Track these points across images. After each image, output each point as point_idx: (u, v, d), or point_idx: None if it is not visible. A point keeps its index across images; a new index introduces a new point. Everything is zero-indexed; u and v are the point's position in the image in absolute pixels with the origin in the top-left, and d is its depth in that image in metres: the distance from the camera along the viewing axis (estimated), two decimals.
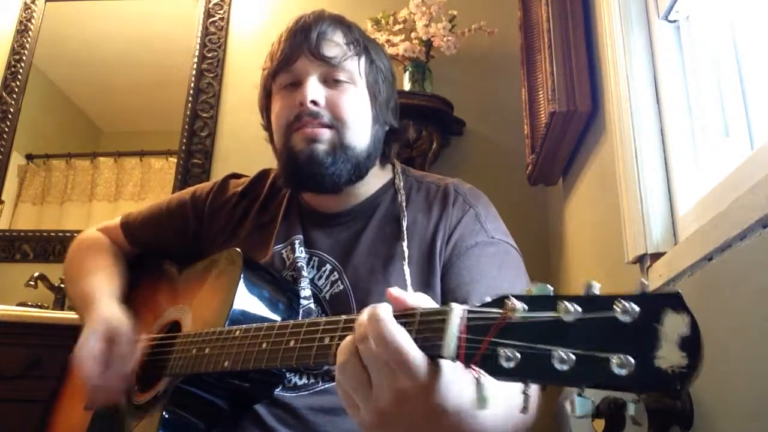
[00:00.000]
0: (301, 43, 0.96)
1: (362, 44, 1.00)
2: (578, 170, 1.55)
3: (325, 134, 0.95)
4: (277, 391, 0.89)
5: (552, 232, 2.02)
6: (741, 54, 0.89)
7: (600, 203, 1.32)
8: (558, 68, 1.37)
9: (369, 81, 1.00)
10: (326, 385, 0.90)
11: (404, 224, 0.96)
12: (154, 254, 1.16)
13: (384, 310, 0.56)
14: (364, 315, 0.57)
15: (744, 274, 0.67)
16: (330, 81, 0.97)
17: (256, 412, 0.88)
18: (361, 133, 0.97)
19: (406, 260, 0.92)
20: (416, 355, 0.53)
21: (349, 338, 0.58)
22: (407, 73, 2.18)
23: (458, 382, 0.55)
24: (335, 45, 0.97)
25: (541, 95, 1.58)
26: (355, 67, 0.98)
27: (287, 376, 0.90)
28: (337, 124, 0.95)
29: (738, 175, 0.78)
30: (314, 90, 0.95)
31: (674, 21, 1.06)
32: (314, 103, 0.94)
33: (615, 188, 1.13)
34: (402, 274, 0.92)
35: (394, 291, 0.58)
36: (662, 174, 1.02)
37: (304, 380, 0.90)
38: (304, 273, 0.96)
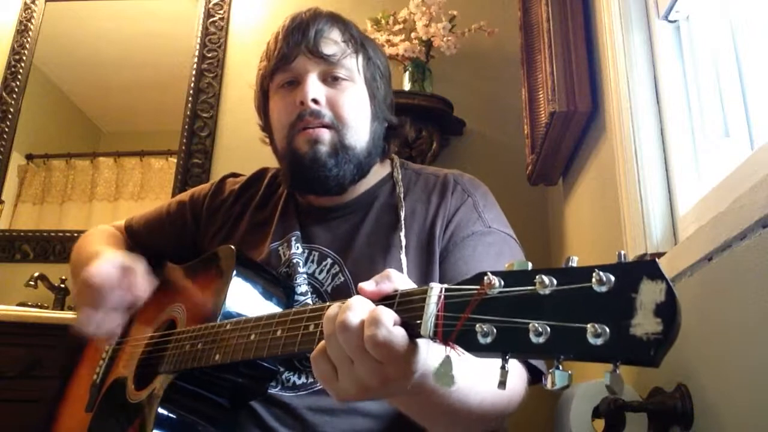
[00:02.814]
0: (299, 42, 0.96)
1: (359, 41, 1.01)
2: (578, 170, 1.54)
3: (327, 135, 0.95)
4: (276, 391, 0.89)
5: (552, 232, 2.02)
6: (741, 54, 0.89)
7: (600, 203, 1.32)
8: (558, 68, 1.37)
9: (367, 78, 1.00)
10: None
11: (402, 214, 0.97)
12: (156, 256, 1.17)
13: (385, 312, 0.54)
14: (353, 316, 0.55)
15: (744, 274, 0.67)
16: (329, 79, 0.97)
17: (254, 411, 0.88)
18: (361, 131, 0.98)
19: (403, 250, 0.93)
20: (405, 348, 0.53)
21: (327, 328, 0.57)
22: (407, 73, 2.18)
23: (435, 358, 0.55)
24: (333, 43, 0.97)
25: (541, 95, 1.58)
26: (353, 65, 0.99)
27: (286, 375, 0.90)
28: (337, 124, 0.95)
29: (738, 175, 0.78)
30: (315, 89, 0.95)
31: (674, 21, 1.06)
32: (315, 101, 0.94)
33: (615, 188, 1.13)
34: (401, 264, 0.92)
35: (365, 285, 0.58)
36: (662, 174, 1.01)
37: (303, 379, 0.90)
38: (300, 269, 0.96)
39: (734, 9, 0.90)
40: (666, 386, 0.82)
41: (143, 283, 0.91)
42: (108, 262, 0.91)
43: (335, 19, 1.01)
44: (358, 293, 0.58)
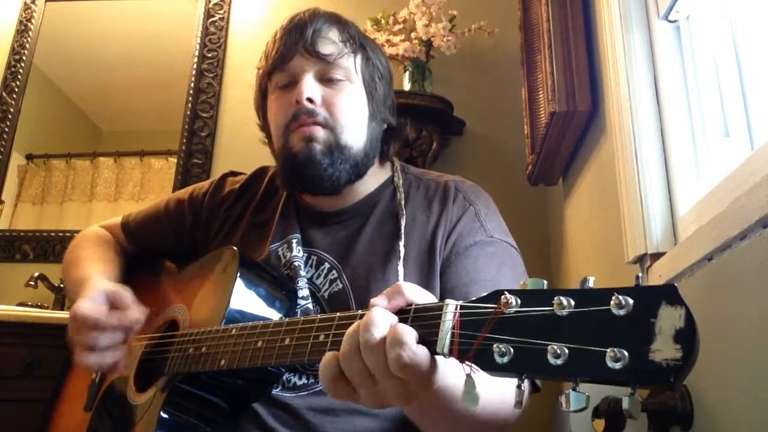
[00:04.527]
0: (296, 41, 0.96)
1: (358, 42, 1.00)
2: (578, 170, 1.54)
3: (321, 133, 0.94)
4: (277, 391, 0.89)
5: (552, 232, 2.02)
6: (741, 54, 0.89)
7: (600, 203, 1.32)
8: (558, 68, 1.37)
9: (365, 78, 0.99)
10: None
11: (402, 223, 0.96)
12: (153, 254, 1.17)
13: (406, 331, 0.53)
14: (377, 333, 0.53)
15: (744, 274, 0.67)
16: (325, 79, 0.96)
17: (255, 412, 0.88)
18: (357, 131, 0.97)
19: (401, 260, 0.92)
20: (429, 367, 0.53)
21: (349, 346, 0.55)
22: (407, 73, 2.18)
23: (452, 376, 0.56)
24: (331, 42, 0.97)
25: (541, 95, 1.58)
26: (351, 65, 0.98)
27: (287, 375, 0.90)
28: (333, 123, 0.95)
29: (738, 175, 0.78)
30: (310, 88, 0.94)
31: (674, 21, 1.06)
32: (310, 100, 0.94)
33: (615, 188, 1.12)
34: (399, 274, 0.92)
35: (378, 301, 0.57)
36: (662, 174, 1.01)
37: (304, 380, 0.90)
38: (302, 272, 0.96)
39: (734, 9, 0.91)
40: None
41: (134, 313, 0.90)
42: (94, 299, 0.90)
43: (334, 19, 1.00)
44: (368, 307, 0.57)
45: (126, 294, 0.92)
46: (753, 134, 0.86)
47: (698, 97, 0.99)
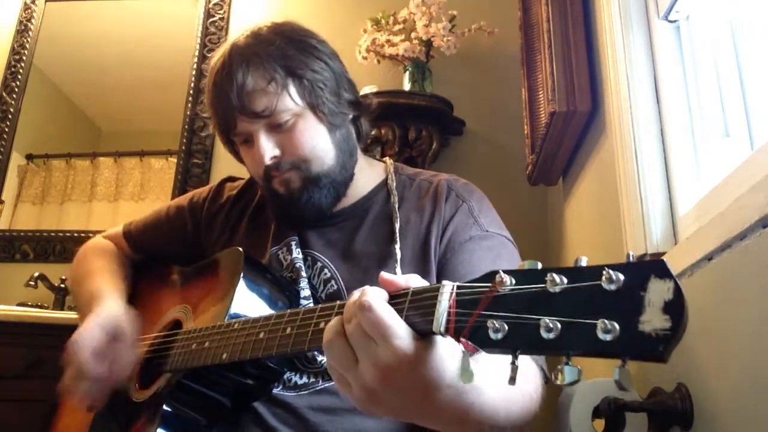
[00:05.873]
0: (230, 108, 0.93)
1: (283, 72, 0.93)
2: (578, 170, 1.55)
3: (294, 175, 0.96)
4: (278, 390, 0.90)
5: (552, 232, 2.02)
6: (741, 54, 0.89)
7: (600, 203, 1.32)
8: (558, 68, 1.37)
9: (309, 101, 0.95)
10: (326, 384, 0.90)
11: (396, 226, 0.96)
12: (157, 259, 1.17)
13: (373, 289, 0.57)
14: (354, 295, 0.58)
15: (744, 274, 0.67)
16: (275, 126, 0.94)
17: (256, 411, 0.88)
18: (324, 155, 0.97)
19: (398, 263, 0.93)
20: (398, 329, 0.54)
21: (336, 318, 0.59)
22: (407, 73, 2.18)
23: (451, 357, 0.55)
24: (260, 93, 0.92)
25: (541, 95, 1.58)
26: (289, 102, 0.93)
27: (288, 375, 0.91)
28: (299, 162, 0.95)
29: (738, 175, 0.78)
30: (267, 149, 0.94)
31: (674, 21, 1.06)
32: (273, 157, 0.94)
33: (615, 188, 1.13)
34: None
35: (385, 274, 0.59)
36: (662, 174, 1.01)
37: (305, 379, 0.91)
38: (303, 273, 0.96)
39: (734, 9, 0.91)
40: (666, 386, 0.82)
41: (129, 353, 0.93)
42: (95, 330, 0.92)
43: (252, 61, 0.93)
44: (377, 282, 0.59)
45: (128, 330, 0.94)
46: (753, 134, 0.86)
47: (698, 97, 0.99)
